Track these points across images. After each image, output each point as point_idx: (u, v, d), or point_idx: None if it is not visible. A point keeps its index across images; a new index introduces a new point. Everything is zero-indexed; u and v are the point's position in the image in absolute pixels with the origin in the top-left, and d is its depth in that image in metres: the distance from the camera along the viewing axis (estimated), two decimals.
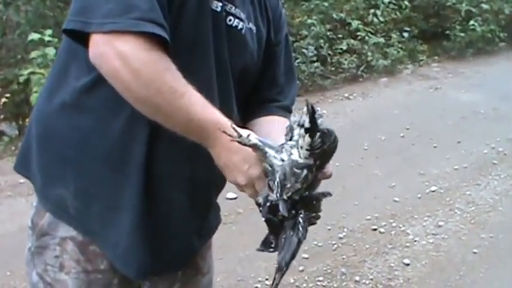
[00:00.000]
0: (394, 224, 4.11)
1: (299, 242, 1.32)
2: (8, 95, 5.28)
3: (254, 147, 1.23)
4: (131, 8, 1.16)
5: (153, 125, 1.29)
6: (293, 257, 1.33)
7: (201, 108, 1.22)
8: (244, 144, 1.23)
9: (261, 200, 1.29)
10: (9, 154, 4.83)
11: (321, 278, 3.41)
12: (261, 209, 1.31)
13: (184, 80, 1.20)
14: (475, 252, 3.83)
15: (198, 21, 1.33)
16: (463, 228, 4.16)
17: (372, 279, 3.45)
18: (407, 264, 3.64)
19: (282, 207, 1.26)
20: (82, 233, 1.41)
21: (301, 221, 1.31)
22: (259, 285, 3.27)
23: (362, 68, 7.80)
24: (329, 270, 3.50)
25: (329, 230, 3.91)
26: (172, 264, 1.52)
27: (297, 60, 6.85)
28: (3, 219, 3.75)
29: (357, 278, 3.45)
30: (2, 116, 5.37)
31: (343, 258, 3.64)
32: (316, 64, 7.17)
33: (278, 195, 1.24)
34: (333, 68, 7.59)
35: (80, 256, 1.42)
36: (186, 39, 1.32)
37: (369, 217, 4.14)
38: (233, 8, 1.40)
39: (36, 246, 1.46)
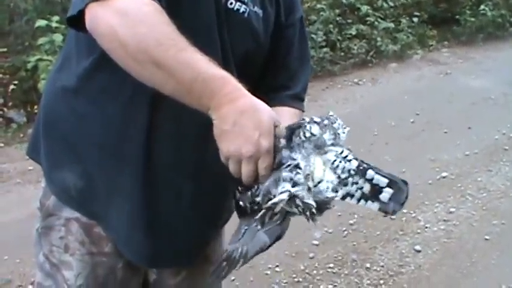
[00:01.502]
0: (405, 211, 4.07)
1: (274, 239, 1.24)
2: (16, 82, 5.27)
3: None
4: None
5: (153, 111, 1.25)
6: (258, 252, 1.23)
7: (206, 64, 1.10)
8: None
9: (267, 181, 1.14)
10: (18, 141, 4.83)
11: (331, 265, 3.39)
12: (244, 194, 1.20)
13: (184, 37, 1.11)
14: (486, 239, 3.80)
15: (200, 3, 1.28)
16: (474, 214, 4.13)
17: (382, 266, 3.43)
18: (419, 251, 3.62)
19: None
20: (85, 215, 1.40)
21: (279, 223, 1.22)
22: (269, 272, 3.26)
23: (371, 53, 7.75)
24: (340, 257, 3.48)
25: (339, 216, 3.88)
26: (183, 256, 1.50)
27: None
28: (12, 207, 3.75)
29: (368, 265, 3.43)
30: (10, 103, 5.36)
31: (354, 245, 3.63)
32: (325, 49, 7.13)
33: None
34: (342, 54, 7.53)
35: (84, 238, 1.41)
36: (188, 25, 1.24)
37: None
38: None
39: (42, 226, 1.46)
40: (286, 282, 3.21)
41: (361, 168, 1.11)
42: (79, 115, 1.34)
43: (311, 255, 3.47)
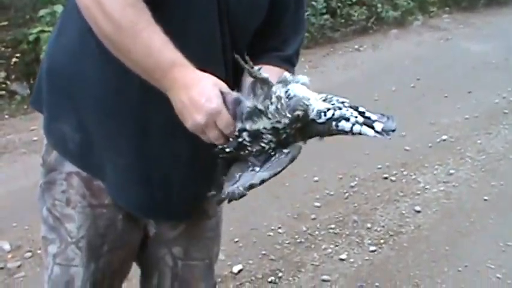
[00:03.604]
0: (405, 173, 4.15)
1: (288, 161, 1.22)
2: (18, 55, 5.28)
3: (263, 81, 1.17)
4: None
5: None
6: (265, 180, 1.21)
7: (161, 45, 1.18)
8: (255, 77, 1.17)
9: (238, 127, 1.19)
10: (22, 113, 4.88)
11: (333, 226, 3.45)
12: (223, 147, 1.22)
13: (149, 17, 1.18)
14: (485, 199, 3.86)
15: None
16: (473, 176, 4.18)
17: (383, 227, 3.49)
18: (418, 212, 3.68)
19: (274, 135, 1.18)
20: (81, 169, 1.43)
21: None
22: (271, 234, 3.32)
23: (372, 19, 7.74)
24: (341, 218, 3.54)
25: (340, 179, 3.95)
26: (180, 209, 1.51)
27: (307, 13, 6.80)
28: (18, 176, 3.80)
29: (369, 225, 3.49)
30: (13, 76, 5.38)
31: (355, 206, 3.69)
32: (325, 16, 7.12)
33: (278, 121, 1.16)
34: (342, 20, 7.52)
35: (85, 191, 1.44)
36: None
37: (379, 166, 4.17)
38: None
39: (45, 181, 1.49)
40: (288, 243, 3.27)
41: (352, 104, 1.15)
42: (78, 70, 1.36)
43: (313, 216, 3.53)
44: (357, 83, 5.86)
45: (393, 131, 1.11)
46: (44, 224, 1.53)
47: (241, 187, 1.21)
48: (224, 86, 1.22)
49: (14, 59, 5.28)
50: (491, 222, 3.60)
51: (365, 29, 7.65)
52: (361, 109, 1.13)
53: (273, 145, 1.20)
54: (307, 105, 1.15)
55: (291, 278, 3.00)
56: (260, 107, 1.17)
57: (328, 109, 1.14)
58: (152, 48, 1.17)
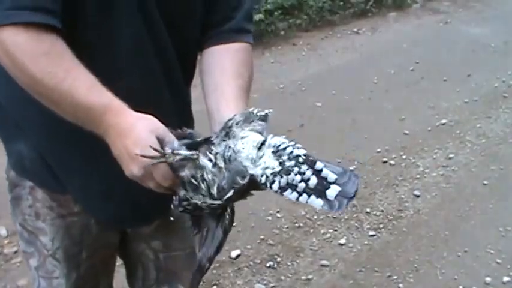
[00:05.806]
0: (404, 157, 4.12)
1: (225, 233, 1.14)
2: None
3: (185, 159, 1.06)
4: None
5: None
6: (218, 251, 1.15)
7: (86, 92, 1.07)
8: (171, 162, 1.06)
9: (181, 195, 1.10)
10: None
11: None
12: (175, 203, 1.12)
13: (69, 62, 1.08)
14: (485, 184, 3.84)
15: None
16: (473, 160, 4.16)
17: (382, 211, 3.48)
18: (418, 196, 3.66)
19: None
20: (40, 187, 1.38)
21: (228, 212, 1.13)
22: (270, 218, 3.30)
23: (371, 2, 7.68)
24: None
25: (339, 162, 3.89)
26: (144, 217, 1.48)
27: None
28: None
29: (368, 210, 3.47)
30: None
31: None
32: None
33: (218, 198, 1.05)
34: (341, 3, 7.46)
35: (51, 202, 1.39)
36: None
37: (379, 149, 4.14)
38: None
39: (12, 197, 1.45)
40: (287, 228, 3.26)
41: (310, 158, 0.97)
42: (14, 97, 1.27)
43: None
44: (355, 66, 5.82)
45: (351, 198, 0.94)
46: (20, 239, 1.50)
47: (206, 259, 1.15)
48: (163, 129, 1.10)
49: None
50: (491, 206, 3.59)
51: (364, 12, 7.59)
52: (318, 166, 0.96)
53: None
54: (245, 177, 1.02)
55: (289, 263, 2.98)
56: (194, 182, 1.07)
57: (274, 178, 0.97)
58: (78, 98, 1.07)
